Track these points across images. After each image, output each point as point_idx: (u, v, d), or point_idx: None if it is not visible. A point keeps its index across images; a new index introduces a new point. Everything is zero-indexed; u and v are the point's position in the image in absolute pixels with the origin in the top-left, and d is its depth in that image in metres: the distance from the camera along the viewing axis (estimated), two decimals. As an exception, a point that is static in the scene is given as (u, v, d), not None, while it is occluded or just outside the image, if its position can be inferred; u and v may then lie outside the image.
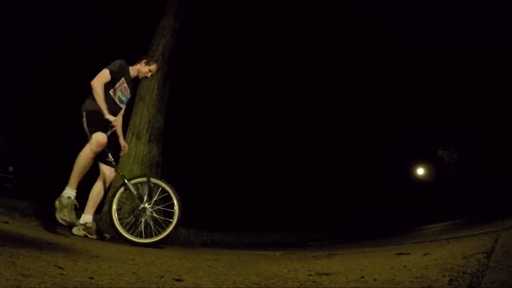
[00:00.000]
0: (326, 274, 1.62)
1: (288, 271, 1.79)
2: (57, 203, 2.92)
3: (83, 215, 3.28)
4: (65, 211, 2.89)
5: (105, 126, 3.18)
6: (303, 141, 17.09)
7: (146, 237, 3.18)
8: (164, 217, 3.26)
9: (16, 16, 10.00)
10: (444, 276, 1.29)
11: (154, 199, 3.28)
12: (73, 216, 2.98)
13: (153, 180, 3.32)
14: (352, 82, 14.34)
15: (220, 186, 14.29)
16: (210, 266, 1.99)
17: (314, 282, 1.47)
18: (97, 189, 3.36)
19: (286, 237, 6.96)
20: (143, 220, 3.25)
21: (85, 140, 3.08)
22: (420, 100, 15.06)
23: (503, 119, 13.55)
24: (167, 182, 3.26)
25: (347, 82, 14.27)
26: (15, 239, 2.11)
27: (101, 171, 3.36)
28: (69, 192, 2.98)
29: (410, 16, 11.23)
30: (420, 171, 20.71)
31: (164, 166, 5.53)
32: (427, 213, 14.24)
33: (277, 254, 3.09)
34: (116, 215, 3.18)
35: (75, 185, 3.01)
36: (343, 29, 11.15)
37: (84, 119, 3.15)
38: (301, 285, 1.42)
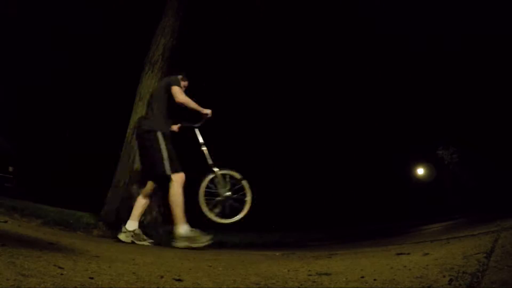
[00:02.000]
0: (326, 274, 1.61)
1: (288, 271, 1.79)
2: None
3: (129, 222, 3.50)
4: None
5: None
6: (303, 141, 17.08)
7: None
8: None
9: (15, 16, 10.00)
10: (444, 276, 1.28)
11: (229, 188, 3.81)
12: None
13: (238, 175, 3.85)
14: (353, 82, 14.34)
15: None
16: (210, 266, 1.99)
17: (314, 282, 1.47)
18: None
19: (286, 237, 6.94)
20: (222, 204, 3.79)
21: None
22: (420, 100, 15.07)
23: (504, 119, 13.55)
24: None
25: (348, 82, 14.27)
26: (15, 239, 2.11)
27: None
28: None
29: (412, 17, 11.23)
30: (420, 171, 20.72)
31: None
32: (427, 213, 14.24)
33: (277, 254, 3.08)
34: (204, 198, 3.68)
35: None
36: (343, 29, 11.14)
37: None
38: (301, 285, 1.42)
